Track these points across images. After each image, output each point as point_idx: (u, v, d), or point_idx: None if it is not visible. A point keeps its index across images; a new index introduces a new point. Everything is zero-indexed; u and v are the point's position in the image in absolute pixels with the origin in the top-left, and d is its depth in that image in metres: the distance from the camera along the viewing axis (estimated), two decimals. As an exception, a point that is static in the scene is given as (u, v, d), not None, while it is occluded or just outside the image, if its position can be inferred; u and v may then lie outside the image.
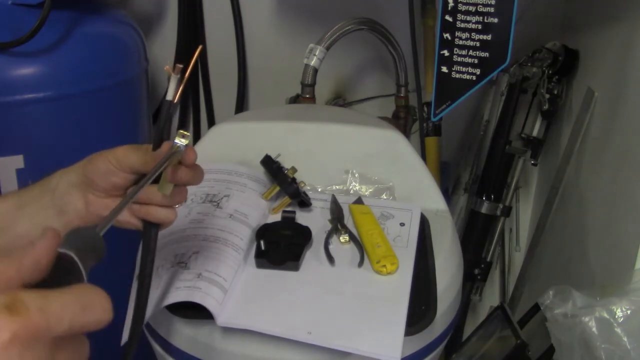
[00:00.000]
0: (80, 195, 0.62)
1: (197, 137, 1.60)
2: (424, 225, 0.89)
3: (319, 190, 0.97)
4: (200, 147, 1.03)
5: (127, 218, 0.61)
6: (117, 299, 0.80)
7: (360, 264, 0.79)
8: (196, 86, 1.56)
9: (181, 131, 0.58)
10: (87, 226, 0.46)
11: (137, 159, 0.59)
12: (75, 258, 0.41)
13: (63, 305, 0.35)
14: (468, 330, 1.35)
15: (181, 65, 0.59)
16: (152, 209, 0.60)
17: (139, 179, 0.61)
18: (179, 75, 0.59)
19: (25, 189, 0.65)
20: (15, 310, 0.33)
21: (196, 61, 0.61)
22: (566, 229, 1.20)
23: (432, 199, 0.96)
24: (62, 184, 0.63)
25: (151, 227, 0.62)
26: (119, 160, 0.59)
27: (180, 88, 0.59)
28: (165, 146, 0.59)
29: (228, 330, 0.70)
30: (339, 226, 0.85)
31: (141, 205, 0.60)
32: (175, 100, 0.59)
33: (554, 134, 1.32)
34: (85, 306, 0.36)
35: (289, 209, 0.90)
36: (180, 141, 0.57)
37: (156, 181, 0.59)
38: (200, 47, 0.64)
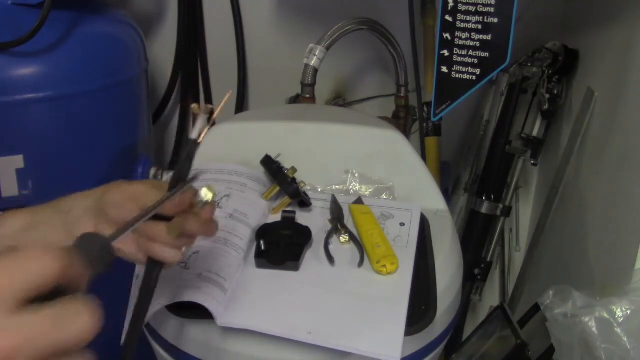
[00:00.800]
0: (92, 222, 0.61)
1: (197, 137, 1.60)
2: (424, 225, 0.89)
3: (319, 190, 0.97)
4: (200, 147, 1.03)
5: (133, 250, 0.60)
6: (117, 300, 0.80)
7: (360, 264, 0.79)
8: (196, 86, 1.56)
9: (210, 186, 0.58)
10: (100, 234, 0.46)
11: (152, 197, 0.57)
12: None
13: (38, 327, 0.34)
14: (468, 330, 1.35)
15: (211, 106, 0.58)
16: (158, 246, 0.59)
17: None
18: (207, 115, 0.58)
19: (38, 208, 0.65)
20: None
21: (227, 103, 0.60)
22: (566, 229, 1.20)
23: (432, 199, 0.96)
24: (77, 208, 0.62)
25: (154, 266, 0.60)
26: (136, 199, 0.58)
27: (206, 129, 0.58)
28: (188, 194, 0.58)
29: (228, 330, 0.70)
30: (339, 226, 0.85)
31: (148, 241, 0.59)
32: (200, 140, 0.58)
33: (554, 134, 1.32)
34: (62, 325, 0.35)
35: (289, 209, 0.90)
36: (206, 195, 0.58)
37: (168, 218, 0.58)
38: (229, 93, 0.62)
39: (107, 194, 0.60)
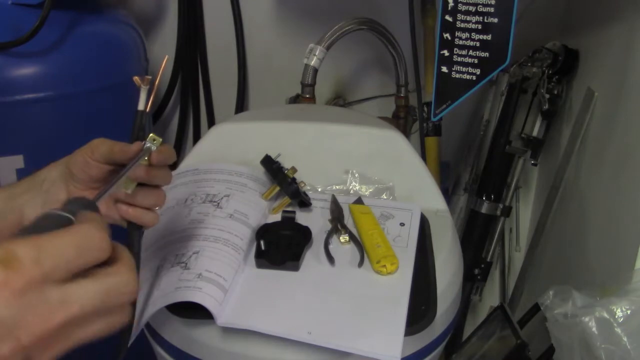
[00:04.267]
0: (63, 187, 0.65)
1: (197, 137, 1.60)
2: (424, 225, 0.89)
3: (319, 190, 0.97)
4: (200, 147, 1.03)
5: (116, 216, 0.63)
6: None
7: (360, 264, 0.79)
8: (196, 86, 1.56)
9: (152, 135, 0.60)
10: (85, 197, 0.48)
11: (106, 148, 0.61)
12: (73, 219, 0.42)
13: (57, 252, 0.37)
14: (468, 330, 1.35)
15: (150, 77, 0.62)
16: (132, 209, 0.62)
17: (116, 171, 0.64)
18: (148, 87, 0.62)
19: (17, 182, 0.68)
20: (9, 265, 0.34)
21: (165, 71, 0.64)
22: (566, 229, 1.20)
23: (432, 199, 0.96)
24: (49, 176, 0.66)
25: (133, 229, 0.64)
26: (92, 150, 0.62)
27: (151, 99, 0.62)
28: (135, 145, 0.61)
29: (228, 330, 0.70)
30: (339, 226, 0.85)
31: (122, 204, 0.63)
32: (147, 110, 0.62)
33: (554, 134, 1.32)
34: (80, 248, 0.38)
35: (289, 209, 0.90)
36: (152, 143, 0.60)
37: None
38: (167, 58, 0.66)
39: (71, 157, 0.64)
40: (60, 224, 0.41)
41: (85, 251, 0.39)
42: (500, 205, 1.33)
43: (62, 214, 0.42)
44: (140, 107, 0.62)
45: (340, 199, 0.92)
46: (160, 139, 0.61)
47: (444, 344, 0.83)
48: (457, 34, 0.95)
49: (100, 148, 0.62)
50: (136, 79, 0.61)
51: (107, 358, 0.65)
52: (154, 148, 0.60)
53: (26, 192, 0.66)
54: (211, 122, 1.59)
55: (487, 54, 0.93)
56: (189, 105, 1.58)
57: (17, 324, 0.34)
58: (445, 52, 0.96)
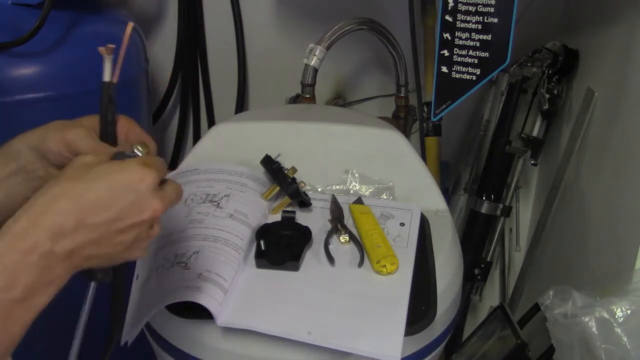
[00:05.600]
0: (41, 164, 0.63)
1: (197, 137, 1.60)
2: (424, 225, 0.89)
3: (319, 190, 0.97)
4: (200, 147, 1.03)
5: None
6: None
7: (360, 264, 0.79)
8: (196, 86, 1.56)
9: (141, 143, 0.60)
10: None
11: (85, 147, 0.60)
12: None
13: (162, 166, 0.57)
14: (468, 330, 1.35)
15: (113, 46, 0.60)
16: None
17: None
18: (112, 56, 0.59)
19: None
20: (147, 166, 0.54)
21: (130, 40, 0.61)
22: (566, 229, 1.20)
23: (432, 199, 0.96)
24: (25, 150, 0.63)
25: None
26: (69, 145, 0.60)
27: (118, 69, 0.59)
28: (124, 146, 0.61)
29: (228, 330, 0.70)
30: (339, 226, 0.85)
31: None
32: (115, 80, 0.60)
33: (554, 134, 1.32)
34: (176, 195, 0.59)
35: (289, 209, 0.90)
36: (138, 151, 0.59)
37: None
38: (131, 25, 0.62)
39: (45, 140, 0.62)
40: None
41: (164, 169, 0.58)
42: (500, 205, 1.33)
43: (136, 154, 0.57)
44: (106, 78, 0.60)
45: (340, 199, 0.92)
46: (147, 149, 0.60)
47: (444, 344, 0.83)
48: (457, 34, 0.95)
49: (79, 146, 0.60)
50: (100, 48, 0.59)
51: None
52: (140, 155, 0.60)
53: (2, 168, 0.64)
54: (211, 122, 1.59)
55: (487, 54, 0.93)
56: (189, 105, 1.58)
57: (150, 203, 0.54)
58: (445, 52, 0.96)
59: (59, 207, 0.51)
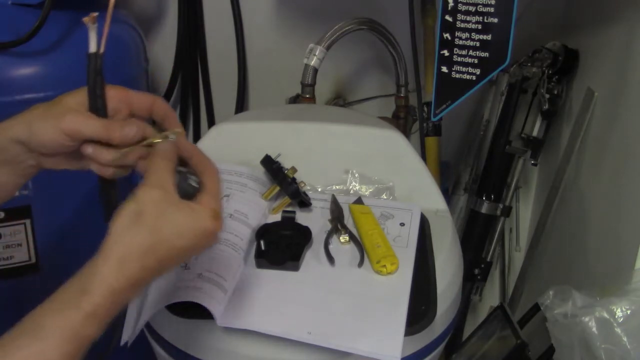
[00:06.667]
0: (30, 155, 0.61)
1: (197, 137, 1.60)
2: (424, 225, 0.89)
3: (319, 190, 0.97)
4: (200, 147, 1.03)
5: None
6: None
7: (360, 264, 0.79)
8: (196, 86, 1.56)
9: (173, 130, 0.59)
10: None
11: (94, 130, 0.58)
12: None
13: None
14: (468, 330, 1.35)
15: (96, 14, 0.57)
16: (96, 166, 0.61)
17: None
18: (96, 24, 0.57)
19: None
20: (218, 217, 0.57)
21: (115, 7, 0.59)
22: (566, 229, 1.20)
23: (432, 199, 0.96)
24: (9, 145, 0.60)
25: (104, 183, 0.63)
26: (71, 135, 0.58)
27: (104, 39, 0.57)
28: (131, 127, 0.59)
29: (228, 330, 0.70)
30: (339, 226, 0.85)
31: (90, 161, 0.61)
32: (102, 51, 0.57)
33: (554, 134, 1.32)
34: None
35: (289, 209, 0.90)
36: (172, 135, 0.59)
37: None
38: None
39: (34, 134, 0.59)
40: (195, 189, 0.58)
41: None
42: (500, 205, 1.33)
43: (195, 186, 0.59)
44: (91, 48, 0.57)
45: (340, 199, 0.92)
46: (180, 130, 0.60)
47: (444, 344, 0.83)
48: (457, 34, 0.95)
49: (83, 131, 0.58)
50: (84, 18, 0.57)
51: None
52: (172, 137, 0.60)
53: None
54: (211, 122, 1.59)
55: (487, 54, 0.93)
56: (189, 105, 1.58)
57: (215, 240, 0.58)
58: (445, 52, 0.96)
59: (137, 261, 0.53)
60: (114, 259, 0.53)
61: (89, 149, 0.59)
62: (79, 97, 0.60)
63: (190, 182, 0.59)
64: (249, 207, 0.86)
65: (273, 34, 1.50)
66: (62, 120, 0.58)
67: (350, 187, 0.97)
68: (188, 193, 0.58)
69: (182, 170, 0.59)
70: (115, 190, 0.63)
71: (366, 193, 0.97)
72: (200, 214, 0.56)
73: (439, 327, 0.79)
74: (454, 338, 1.33)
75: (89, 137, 0.58)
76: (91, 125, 0.58)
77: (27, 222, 1.00)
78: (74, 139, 0.58)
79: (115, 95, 0.61)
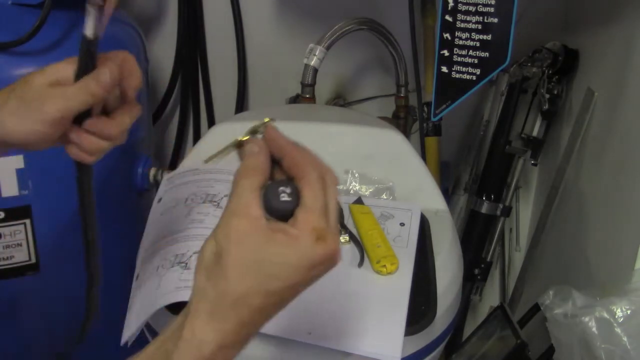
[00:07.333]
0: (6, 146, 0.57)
1: (197, 137, 1.60)
2: (424, 225, 0.89)
3: (319, 190, 0.97)
4: (200, 147, 1.03)
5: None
6: (117, 299, 0.80)
7: (360, 264, 0.79)
8: (196, 86, 1.56)
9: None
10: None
11: (80, 103, 0.54)
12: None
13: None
14: (468, 330, 1.35)
15: (101, 2, 0.53)
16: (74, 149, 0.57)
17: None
18: (95, 10, 0.53)
19: None
20: (323, 239, 0.45)
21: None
22: (566, 229, 1.20)
23: (432, 199, 0.96)
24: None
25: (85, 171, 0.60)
26: (57, 123, 0.54)
27: (104, 22, 0.53)
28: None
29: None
30: (339, 226, 0.85)
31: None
32: (99, 37, 0.53)
33: (554, 134, 1.32)
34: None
35: (289, 209, 0.90)
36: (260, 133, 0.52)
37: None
38: None
39: (12, 133, 0.54)
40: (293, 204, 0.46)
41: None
42: (500, 205, 1.33)
43: (289, 201, 0.46)
44: (87, 32, 0.53)
45: (340, 199, 0.92)
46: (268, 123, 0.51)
47: (444, 344, 0.83)
48: (457, 34, 0.95)
49: (69, 110, 0.53)
50: (88, 2, 0.52)
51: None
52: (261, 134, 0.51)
53: None
54: (211, 122, 1.59)
55: (487, 54, 0.93)
56: (189, 105, 1.58)
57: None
58: (445, 52, 0.96)
59: (227, 320, 0.45)
60: (200, 319, 0.44)
61: (73, 135, 0.55)
62: (49, 75, 0.56)
63: (283, 197, 0.47)
64: (249, 207, 0.86)
65: (273, 34, 1.50)
66: (42, 111, 0.54)
67: (350, 187, 0.97)
68: (281, 211, 0.47)
69: (271, 182, 0.49)
70: (90, 177, 0.60)
71: (366, 193, 0.97)
72: (299, 241, 0.45)
73: (439, 327, 0.79)
74: (454, 338, 1.33)
75: (76, 113, 0.54)
76: (74, 100, 0.54)
77: (27, 222, 1.00)
78: (60, 127, 0.55)
79: (116, 67, 0.58)
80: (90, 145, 0.57)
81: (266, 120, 0.52)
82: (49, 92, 0.54)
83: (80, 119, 0.56)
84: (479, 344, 1.18)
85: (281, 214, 0.46)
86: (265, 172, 0.49)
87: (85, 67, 0.55)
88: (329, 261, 0.46)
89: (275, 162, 0.51)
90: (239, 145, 0.53)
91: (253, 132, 0.51)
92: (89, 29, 0.53)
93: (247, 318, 0.45)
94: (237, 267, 0.44)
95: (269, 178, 0.49)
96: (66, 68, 0.56)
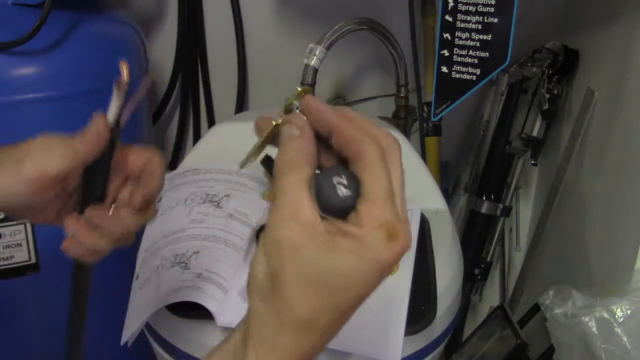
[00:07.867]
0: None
1: (197, 137, 1.60)
2: (424, 225, 0.89)
3: (319, 190, 0.97)
4: (200, 147, 1.03)
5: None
6: (117, 299, 0.80)
7: (360, 264, 0.78)
8: (196, 86, 1.56)
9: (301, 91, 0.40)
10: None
11: (62, 162, 0.49)
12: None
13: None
14: (468, 330, 1.35)
15: (126, 80, 0.47)
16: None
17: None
18: (122, 93, 0.47)
19: None
20: (394, 238, 0.38)
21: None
22: (566, 229, 1.20)
23: (432, 199, 0.96)
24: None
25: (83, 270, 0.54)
26: (37, 180, 0.48)
27: (128, 111, 0.47)
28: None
29: (228, 330, 0.70)
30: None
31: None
32: (121, 125, 0.47)
33: (554, 134, 1.32)
34: None
35: (289, 209, 0.90)
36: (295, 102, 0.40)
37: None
38: (125, 64, 0.50)
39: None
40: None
41: None
42: (500, 205, 1.33)
43: (347, 194, 0.37)
44: (110, 117, 0.47)
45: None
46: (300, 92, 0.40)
47: (444, 344, 0.83)
48: (457, 34, 0.95)
49: (49, 169, 0.47)
50: (114, 84, 0.46)
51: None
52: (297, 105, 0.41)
53: None
54: (211, 122, 1.59)
55: (487, 54, 0.93)
56: (189, 105, 1.58)
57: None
58: (445, 52, 0.96)
59: (287, 350, 0.39)
60: (263, 349, 0.39)
61: (70, 227, 0.49)
62: (47, 141, 0.50)
63: (340, 189, 0.37)
64: (249, 207, 0.86)
65: (273, 34, 1.50)
66: (24, 165, 0.48)
67: (350, 187, 0.97)
68: (341, 209, 0.38)
69: (321, 172, 0.39)
70: (89, 279, 0.54)
71: (366, 193, 0.97)
72: (367, 243, 0.37)
73: (439, 327, 0.79)
74: (454, 338, 1.33)
75: (57, 175, 0.48)
76: (60, 157, 0.47)
77: (27, 222, 1.00)
78: (40, 188, 0.48)
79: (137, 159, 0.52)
80: (84, 238, 0.51)
81: (299, 89, 0.40)
82: (37, 150, 0.49)
83: (83, 206, 0.52)
84: (479, 344, 1.18)
85: (341, 211, 0.38)
86: (312, 160, 0.40)
87: (104, 153, 0.48)
88: (401, 257, 0.39)
89: (320, 141, 0.40)
90: (272, 136, 0.43)
91: (288, 110, 0.41)
92: (110, 114, 0.48)
93: (316, 341, 0.39)
94: (297, 287, 0.37)
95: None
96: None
